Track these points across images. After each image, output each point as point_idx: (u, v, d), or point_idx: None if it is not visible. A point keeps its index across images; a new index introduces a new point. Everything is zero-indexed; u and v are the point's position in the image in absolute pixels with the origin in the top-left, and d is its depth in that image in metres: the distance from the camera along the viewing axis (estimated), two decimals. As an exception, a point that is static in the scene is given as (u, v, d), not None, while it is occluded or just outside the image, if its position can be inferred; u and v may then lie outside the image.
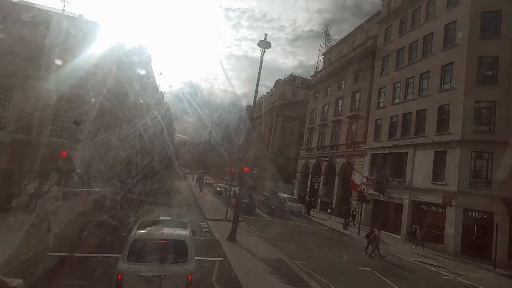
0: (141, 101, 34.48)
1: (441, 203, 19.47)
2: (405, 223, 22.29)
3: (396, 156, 24.47)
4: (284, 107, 55.08)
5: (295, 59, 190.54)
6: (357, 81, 32.44)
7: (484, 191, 17.94)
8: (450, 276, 13.44)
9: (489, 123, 18.62)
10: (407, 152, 23.17)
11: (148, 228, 7.48)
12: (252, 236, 15.27)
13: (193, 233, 8.35)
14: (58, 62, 18.45)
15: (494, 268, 15.89)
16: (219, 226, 16.79)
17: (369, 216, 25.37)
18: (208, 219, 18.57)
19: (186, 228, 7.84)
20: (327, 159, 34.95)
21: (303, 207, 29.77)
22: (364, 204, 23.40)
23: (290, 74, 62.53)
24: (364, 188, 22.67)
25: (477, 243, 17.98)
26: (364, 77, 30.98)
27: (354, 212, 26.73)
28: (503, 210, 17.39)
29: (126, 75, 29.88)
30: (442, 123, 20.86)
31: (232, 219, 18.96)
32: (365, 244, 17.94)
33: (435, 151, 20.79)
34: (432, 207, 20.59)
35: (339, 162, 32.44)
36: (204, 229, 15.84)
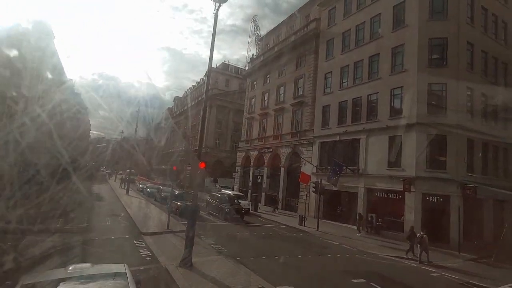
0: (32, 63, 25.83)
1: (398, 189, 18.80)
2: (361, 212, 21.32)
3: (347, 143, 23.42)
4: (218, 97, 51.20)
5: (219, 53, 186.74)
6: (299, 67, 30.82)
7: (440, 174, 17.70)
8: (437, 273, 12.16)
9: (442, 106, 18.47)
10: (359, 139, 22.22)
11: None
12: (211, 253, 11.60)
13: (137, 283, 4.52)
14: None
15: (459, 253, 15.54)
16: (161, 243, 12.64)
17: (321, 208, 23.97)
18: (144, 234, 14.11)
19: (126, 286, 4.06)
20: (271, 150, 32.79)
21: (250, 203, 26.96)
22: (319, 195, 21.69)
23: (223, 63, 58.81)
24: (320, 180, 20.90)
25: (436, 228, 17.68)
26: (308, 62, 29.45)
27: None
28: (458, 193, 17.38)
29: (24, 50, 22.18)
30: (396, 107, 20.26)
31: (177, 230, 15.13)
32: (334, 242, 16.24)
33: (389, 136, 20.08)
34: (389, 194, 19.91)
35: (284, 152, 30.56)
36: (141, 251, 11.51)
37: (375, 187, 20.65)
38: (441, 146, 18.16)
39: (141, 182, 39.47)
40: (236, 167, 40.17)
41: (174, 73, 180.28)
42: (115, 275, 4.45)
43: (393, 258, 14.10)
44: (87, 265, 4.80)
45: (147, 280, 8.40)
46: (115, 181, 47.82)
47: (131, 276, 4.55)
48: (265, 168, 33.46)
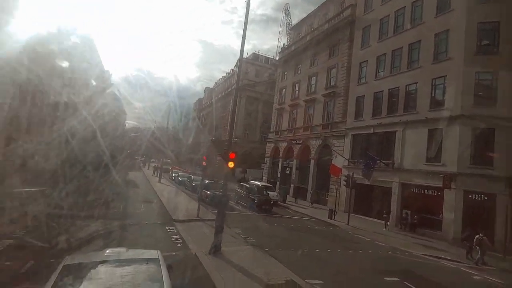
0: (80, 73, 28.74)
1: (437, 185, 17.65)
2: (395, 208, 20.44)
3: (382, 136, 22.37)
4: (248, 88, 51.12)
5: (249, 43, 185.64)
6: (332, 56, 29.75)
7: (486, 171, 16.35)
8: (479, 276, 11.33)
9: (491, 97, 16.93)
10: (395, 131, 21.10)
11: None
12: (239, 243, 11.68)
13: (169, 268, 4.55)
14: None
15: (504, 256, 14.36)
16: (192, 230, 12.93)
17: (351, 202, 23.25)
18: (175, 221, 14.54)
19: (159, 273, 4.08)
20: (300, 141, 32.28)
21: (278, 195, 26.85)
22: (351, 189, 21.01)
23: (253, 53, 58.37)
24: (352, 173, 20.22)
25: (479, 229, 16.43)
26: (341, 51, 28.33)
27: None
28: (506, 191, 15.97)
29: (57, 41, 23.93)
30: (437, 98, 18.92)
31: (206, 218, 15.43)
32: (366, 238, 15.73)
33: (428, 129, 18.85)
34: (426, 190, 18.81)
35: (315, 144, 29.92)
36: (172, 237, 11.86)
37: (411, 183, 19.58)
38: (488, 140, 16.71)
39: (173, 170, 40.75)
40: (265, 158, 40.13)
41: (205, 65, 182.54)
42: (148, 260, 4.54)
43: (429, 257, 13.35)
44: (123, 249, 4.98)
45: (178, 266, 8.59)
46: (148, 169, 49.92)
47: (163, 262, 4.62)
48: (294, 160, 33.06)
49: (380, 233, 17.71)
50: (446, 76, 18.33)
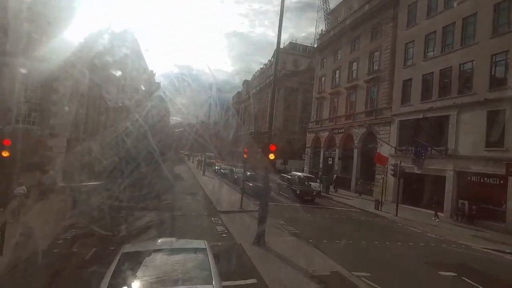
0: (131, 79, 32.28)
1: (499, 173, 15.96)
2: (449, 198, 18.99)
3: (433, 121, 20.76)
4: (286, 78, 50.51)
5: (285, 32, 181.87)
6: (374, 39, 28.11)
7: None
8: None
9: None
10: (448, 115, 19.44)
11: (134, 279, 3.96)
12: (283, 234, 11.75)
13: (215, 257, 4.83)
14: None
15: None
16: (235, 221, 13.28)
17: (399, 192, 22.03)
18: (220, 212, 15.05)
19: (206, 262, 4.30)
20: (342, 130, 31.24)
21: (321, 185, 26.38)
22: (399, 179, 19.93)
23: (290, 42, 57.42)
24: (400, 161, 19.13)
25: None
26: (385, 33, 26.63)
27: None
28: None
29: (111, 53, 26.23)
30: (498, 76, 17.01)
31: (249, 209, 15.74)
32: (417, 230, 14.90)
33: (488, 111, 17.07)
34: (486, 179, 17.14)
35: (358, 132, 28.76)
36: (218, 228, 12.30)
37: (468, 170, 17.97)
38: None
39: (216, 164, 42.05)
40: (306, 149, 39.58)
41: (242, 57, 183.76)
42: (196, 250, 4.82)
43: (491, 251, 12.23)
44: (173, 239, 5.32)
45: (224, 256, 8.93)
46: (192, 162, 52.08)
47: (210, 251, 4.86)
48: (337, 150, 32.16)
49: (433, 224, 16.60)
50: (508, 51, 16.33)
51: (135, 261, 4.31)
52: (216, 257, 5.00)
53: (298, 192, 19.94)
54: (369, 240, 12.06)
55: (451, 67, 19.51)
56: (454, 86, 19.26)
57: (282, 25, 10.47)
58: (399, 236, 13.50)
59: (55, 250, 8.62)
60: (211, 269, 4.18)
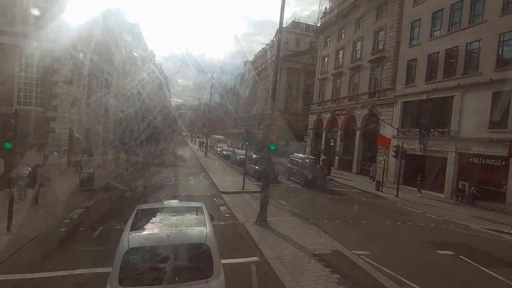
0: (132, 60, 32.76)
1: (501, 154, 15.94)
2: (450, 179, 19.11)
3: (436, 102, 20.52)
4: (288, 59, 49.61)
5: (288, 11, 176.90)
6: (380, 17, 27.35)
7: None
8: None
9: None
10: (452, 96, 19.20)
11: (148, 225, 5.00)
12: (284, 214, 11.95)
13: (211, 216, 5.78)
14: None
15: None
16: (238, 202, 13.50)
17: (400, 173, 22.15)
18: (222, 192, 15.27)
19: (202, 217, 5.33)
20: (345, 111, 31.03)
21: (324, 167, 26.47)
22: (400, 160, 19.98)
23: (293, 21, 55.90)
24: (402, 143, 19.10)
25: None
26: (390, 10, 25.87)
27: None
28: None
29: (112, 34, 26.08)
30: (505, 56, 16.63)
31: (251, 190, 15.94)
32: (416, 210, 15.09)
33: (493, 92, 16.83)
34: (487, 160, 17.17)
35: (360, 114, 28.57)
36: (221, 208, 12.52)
37: (470, 152, 17.97)
38: None
39: (218, 145, 42.21)
40: (308, 130, 39.50)
41: (243, 37, 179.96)
42: (195, 209, 5.65)
43: (490, 231, 12.42)
44: (176, 201, 6.45)
45: (227, 235, 9.16)
46: (194, 144, 52.26)
47: (206, 211, 5.70)
48: (339, 131, 32.08)
49: (432, 205, 16.79)
50: (517, 29, 15.90)
51: (147, 216, 5.34)
52: (211, 216, 5.90)
53: (310, 177, 19.37)
54: (369, 221, 12.27)
55: (458, 46, 19.07)
56: (460, 66, 18.89)
57: (285, 3, 10.17)
58: (399, 216, 13.71)
59: (62, 229, 8.86)
60: (206, 225, 4.92)
